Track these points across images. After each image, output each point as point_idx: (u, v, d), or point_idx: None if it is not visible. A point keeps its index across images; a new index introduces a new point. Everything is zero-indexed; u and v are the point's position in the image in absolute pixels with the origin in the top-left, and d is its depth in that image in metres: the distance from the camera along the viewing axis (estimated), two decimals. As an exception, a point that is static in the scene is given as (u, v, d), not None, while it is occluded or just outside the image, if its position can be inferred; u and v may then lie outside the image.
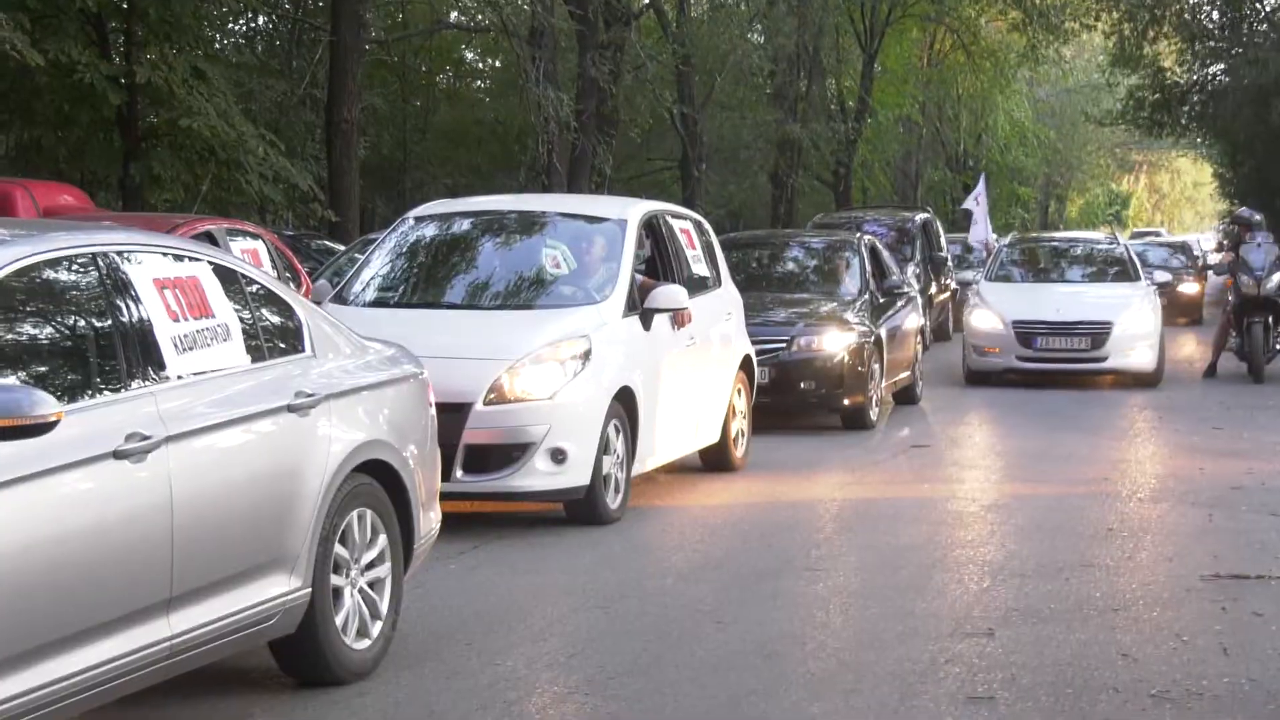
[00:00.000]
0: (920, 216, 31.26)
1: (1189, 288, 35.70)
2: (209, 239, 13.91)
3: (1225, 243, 26.07)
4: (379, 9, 38.73)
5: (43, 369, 6.01)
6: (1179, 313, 33.87)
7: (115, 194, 25.07)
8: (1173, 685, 7.46)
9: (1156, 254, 37.07)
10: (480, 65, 48.45)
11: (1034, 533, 11.41)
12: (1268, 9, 43.61)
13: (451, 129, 44.21)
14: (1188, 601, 9.23)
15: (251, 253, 14.63)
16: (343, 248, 22.25)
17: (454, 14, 40.15)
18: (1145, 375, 21.63)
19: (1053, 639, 8.35)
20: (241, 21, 36.72)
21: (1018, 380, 21.81)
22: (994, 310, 22.02)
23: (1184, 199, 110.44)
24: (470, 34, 40.85)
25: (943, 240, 32.01)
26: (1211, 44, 43.95)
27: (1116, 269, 23.76)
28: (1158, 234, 64.08)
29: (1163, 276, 25.43)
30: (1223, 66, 44.18)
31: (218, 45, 32.12)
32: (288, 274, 15.23)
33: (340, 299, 12.51)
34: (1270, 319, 22.20)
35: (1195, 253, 40.76)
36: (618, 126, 34.10)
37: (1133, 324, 21.59)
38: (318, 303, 11.79)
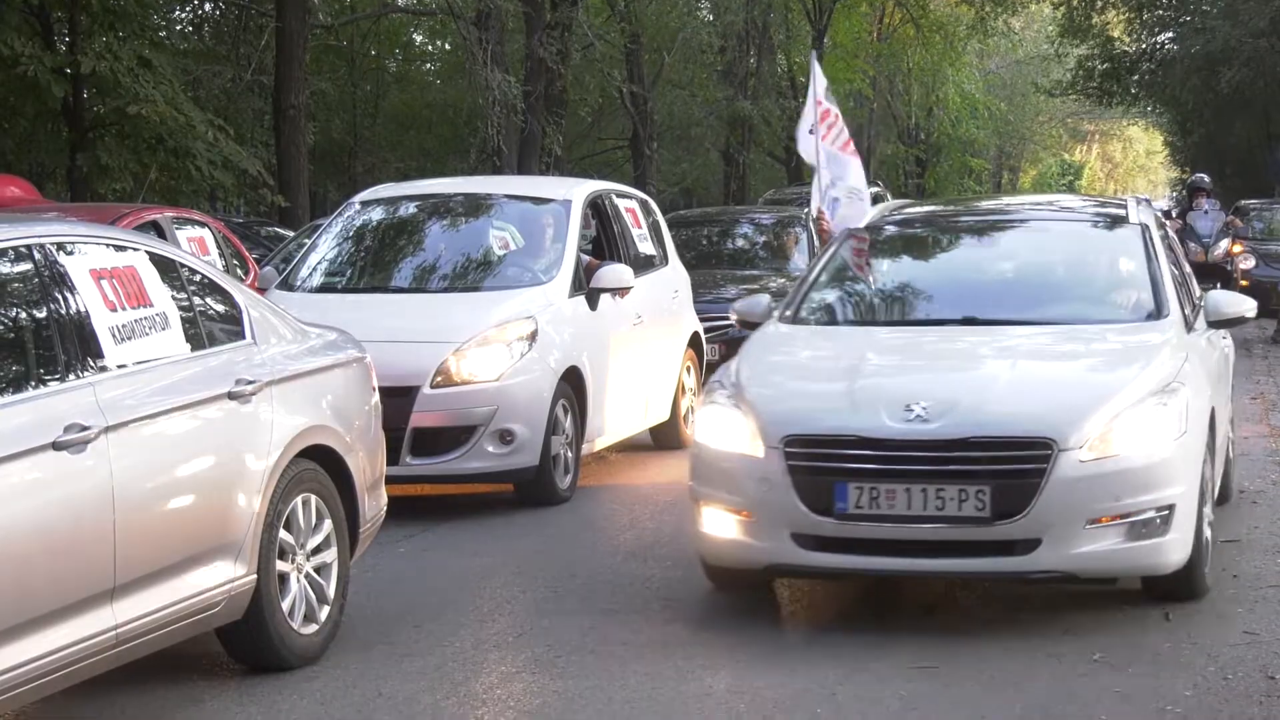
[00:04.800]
0: (871, 190, 31.28)
1: None
2: (155, 228, 13.88)
3: (1174, 210, 26.14)
4: (325, -7, 38.64)
5: (-21, 362, 6.02)
6: None
7: (64, 185, 24.99)
8: (1114, 649, 7.53)
9: None
10: (429, 48, 48.33)
11: (981, 503, 11.48)
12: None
13: (401, 113, 44.12)
14: (1131, 567, 9.30)
15: (198, 241, 14.60)
16: (293, 234, 22.21)
17: (401, -3, 40.07)
18: (1158, 575, 8.28)
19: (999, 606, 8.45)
20: (187, 8, 36.59)
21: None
22: (751, 405, 8.39)
23: (1137, 168, 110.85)
24: (418, 17, 40.71)
25: (894, 214, 32.06)
26: (1159, 13, 44.14)
27: (1123, 286, 9.71)
28: None
29: None
30: (1170, 35, 44.38)
31: (163, 33, 31.96)
32: (235, 261, 15.21)
33: (286, 285, 12.50)
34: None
35: None
36: (567, 107, 34.06)
37: (1136, 436, 8.03)
38: (263, 289, 11.83)
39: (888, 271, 10.35)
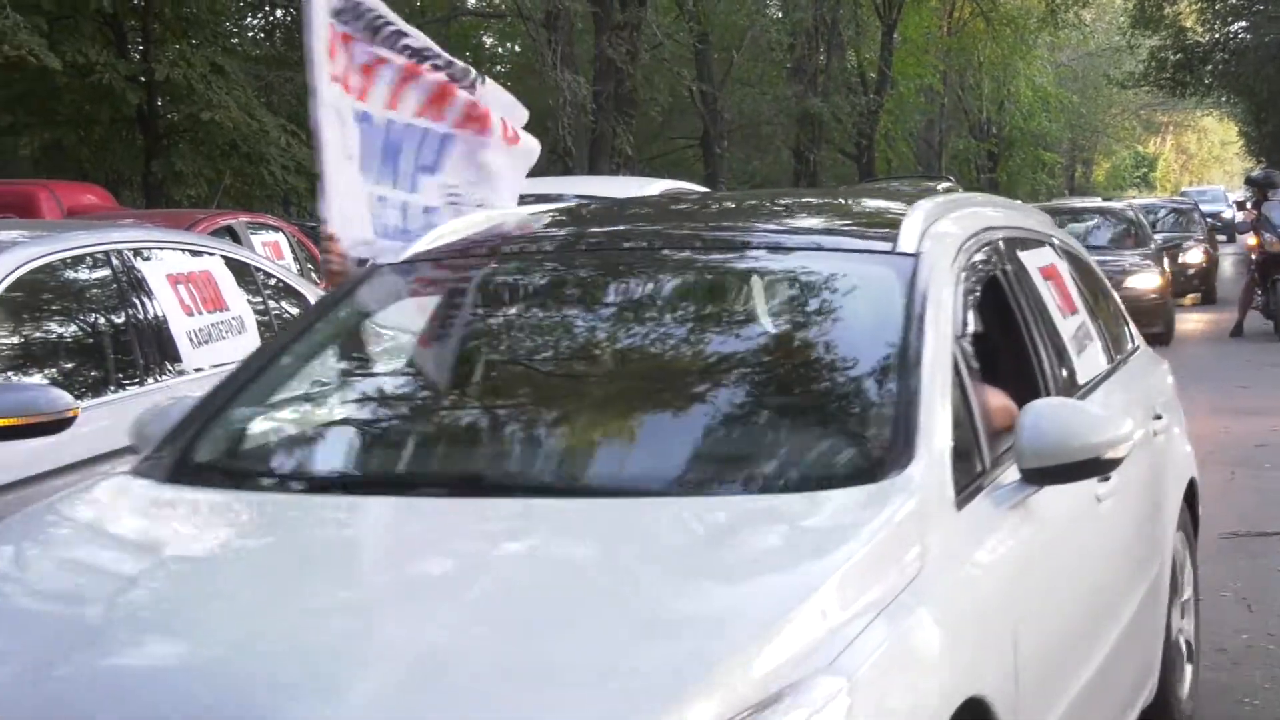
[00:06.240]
0: (943, 185, 31.22)
1: (1193, 256, 29.30)
2: (229, 233, 13.99)
3: (1249, 201, 25.82)
4: (395, -2, 38.80)
5: (61, 366, 6.10)
6: (1184, 288, 27.83)
7: (139, 192, 25.22)
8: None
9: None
10: (499, 50, 48.48)
11: (1057, 497, 11.42)
12: (1288, -35, 43.51)
13: (472, 115, 44.23)
14: (1210, 559, 9.22)
15: (272, 245, 14.72)
16: (366, 237, 22.33)
17: (470, 0, 40.19)
18: None
19: (1074, 601, 8.38)
20: (259, 15, 36.84)
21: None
22: None
23: (1212, 158, 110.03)
24: (487, 20, 40.87)
25: (966, 209, 31.87)
26: (1232, 2, 43.78)
27: (833, 398, 4.29)
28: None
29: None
30: (1244, 24, 44.02)
31: (235, 40, 32.23)
32: (309, 265, 15.31)
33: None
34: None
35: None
36: (637, 106, 34.09)
37: None
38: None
39: (396, 362, 5.13)
